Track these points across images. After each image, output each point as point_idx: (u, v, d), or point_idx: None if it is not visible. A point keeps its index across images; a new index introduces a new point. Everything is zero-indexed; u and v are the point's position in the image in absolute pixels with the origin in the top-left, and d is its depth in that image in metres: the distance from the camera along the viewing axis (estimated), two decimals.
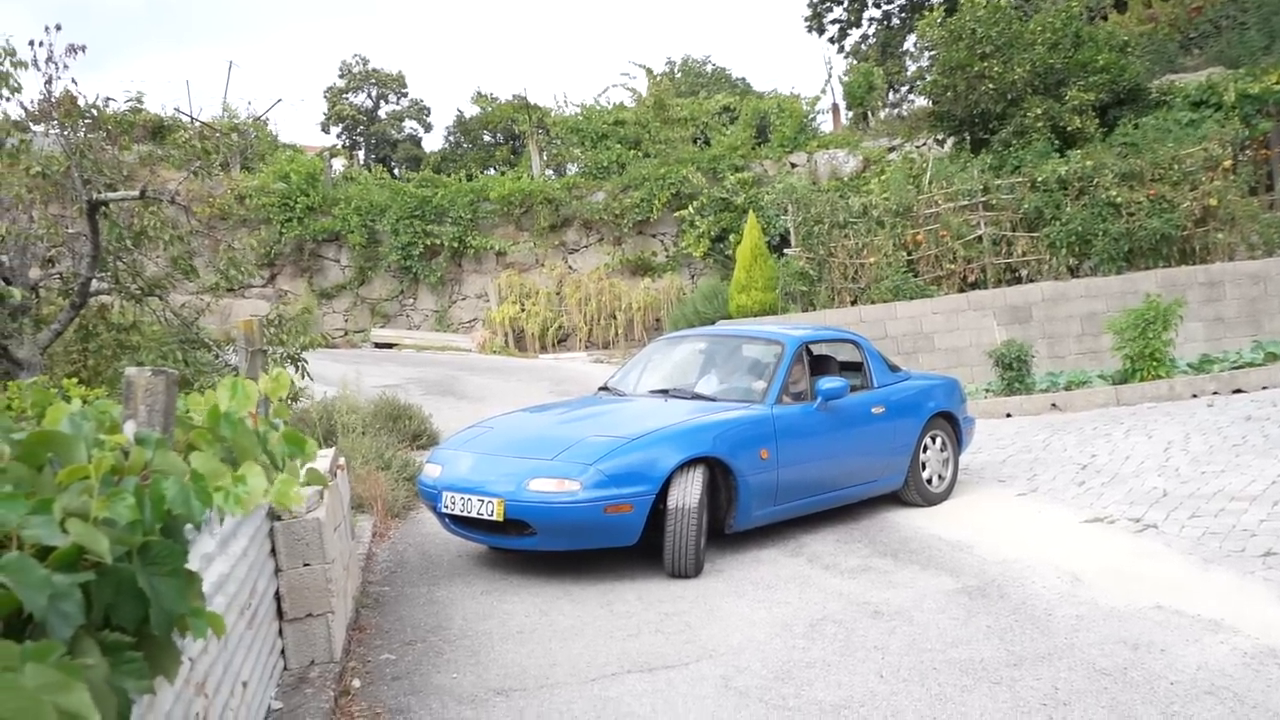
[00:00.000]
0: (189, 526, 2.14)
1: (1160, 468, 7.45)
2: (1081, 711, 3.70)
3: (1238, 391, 10.43)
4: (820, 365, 7.43)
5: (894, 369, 7.69)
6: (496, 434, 6.51)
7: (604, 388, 7.56)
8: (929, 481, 7.36)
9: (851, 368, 7.51)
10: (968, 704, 3.83)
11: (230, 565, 3.16)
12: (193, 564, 2.53)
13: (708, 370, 7.22)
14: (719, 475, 6.03)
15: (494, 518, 5.69)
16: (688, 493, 5.73)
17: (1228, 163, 14.21)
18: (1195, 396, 10.44)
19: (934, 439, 7.44)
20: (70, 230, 7.44)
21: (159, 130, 21.91)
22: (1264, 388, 10.42)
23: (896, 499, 7.32)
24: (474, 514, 5.79)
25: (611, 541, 5.76)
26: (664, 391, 7.00)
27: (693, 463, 5.81)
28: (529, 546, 5.86)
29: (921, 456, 7.33)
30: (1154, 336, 10.74)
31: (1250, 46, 17.36)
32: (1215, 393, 10.48)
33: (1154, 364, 10.81)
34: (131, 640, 1.70)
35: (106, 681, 1.57)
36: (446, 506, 5.97)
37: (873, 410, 7.07)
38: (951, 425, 7.62)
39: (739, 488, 6.04)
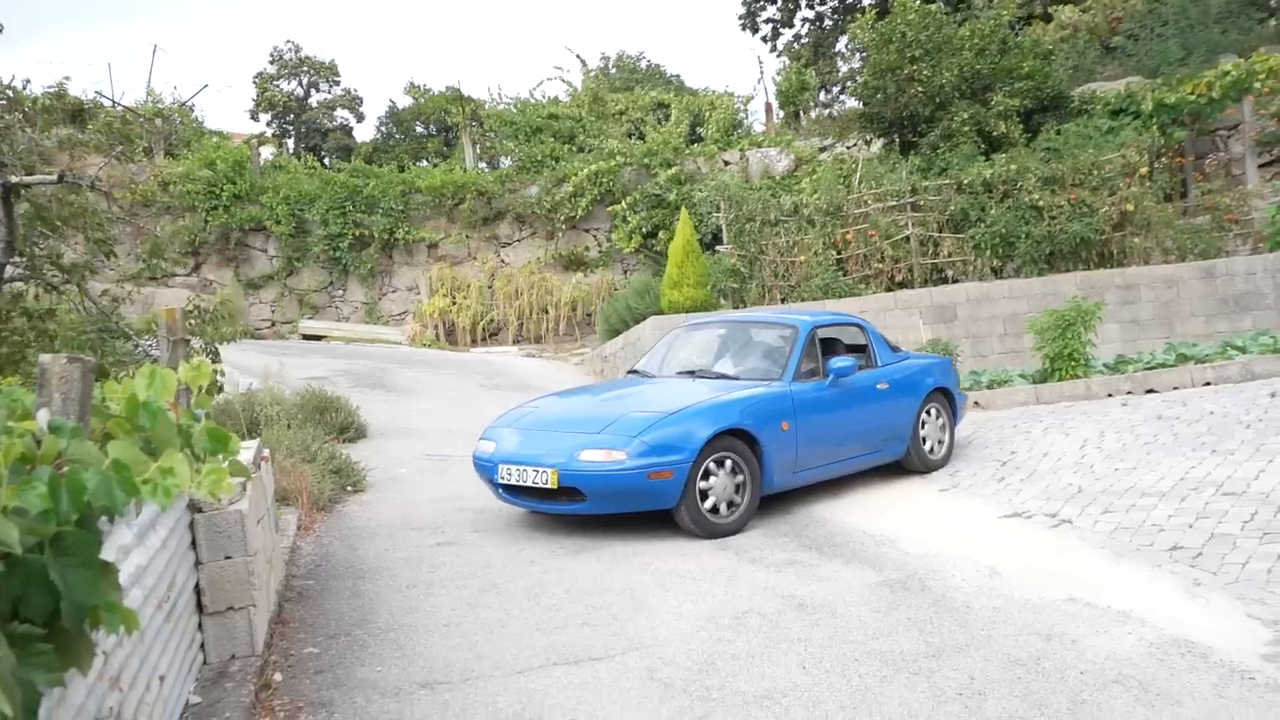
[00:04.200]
0: (104, 517, 2.10)
1: (1076, 465, 7.66)
2: (995, 700, 3.80)
3: (1150, 391, 10.76)
4: (828, 347, 8.03)
5: (895, 349, 8.43)
6: (541, 413, 7.24)
7: (633, 371, 8.21)
8: (929, 450, 8.11)
9: (856, 349, 8.17)
10: (887, 694, 3.91)
11: (149, 557, 3.10)
12: (109, 555, 2.49)
13: (728, 353, 7.93)
14: (746, 445, 6.65)
15: (548, 485, 6.38)
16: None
17: (1144, 169, 14.66)
18: (1110, 396, 10.75)
19: (933, 411, 8.21)
20: None
21: (79, 113, 21.28)
22: (1175, 388, 10.76)
23: (820, 493, 7.44)
24: (529, 483, 6.47)
25: (653, 504, 6.38)
26: (690, 372, 7.70)
27: (724, 434, 6.47)
28: (578, 510, 6.51)
29: (921, 428, 8.04)
30: (1074, 338, 11.02)
31: (1168, 58, 17.91)
32: (1129, 392, 10.79)
33: (1073, 364, 11.09)
34: (42, 632, 1.67)
35: (14, 674, 1.54)
36: (503, 478, 6.61)
37: (877, 386, 7.80)
38: (947, 399, 8.41)
39: (764, 457, 6.69)
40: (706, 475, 6.43)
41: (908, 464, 8.03)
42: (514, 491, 6.67)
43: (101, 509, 1.92)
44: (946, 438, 8.32)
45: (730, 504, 6.52)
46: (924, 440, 8.07)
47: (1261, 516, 5.72)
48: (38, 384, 2.43)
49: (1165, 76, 17.24)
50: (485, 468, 6.86)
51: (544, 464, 6.42)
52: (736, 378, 7.40)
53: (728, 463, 6.51)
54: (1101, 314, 11.29)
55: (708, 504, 6.44)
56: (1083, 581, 5.13)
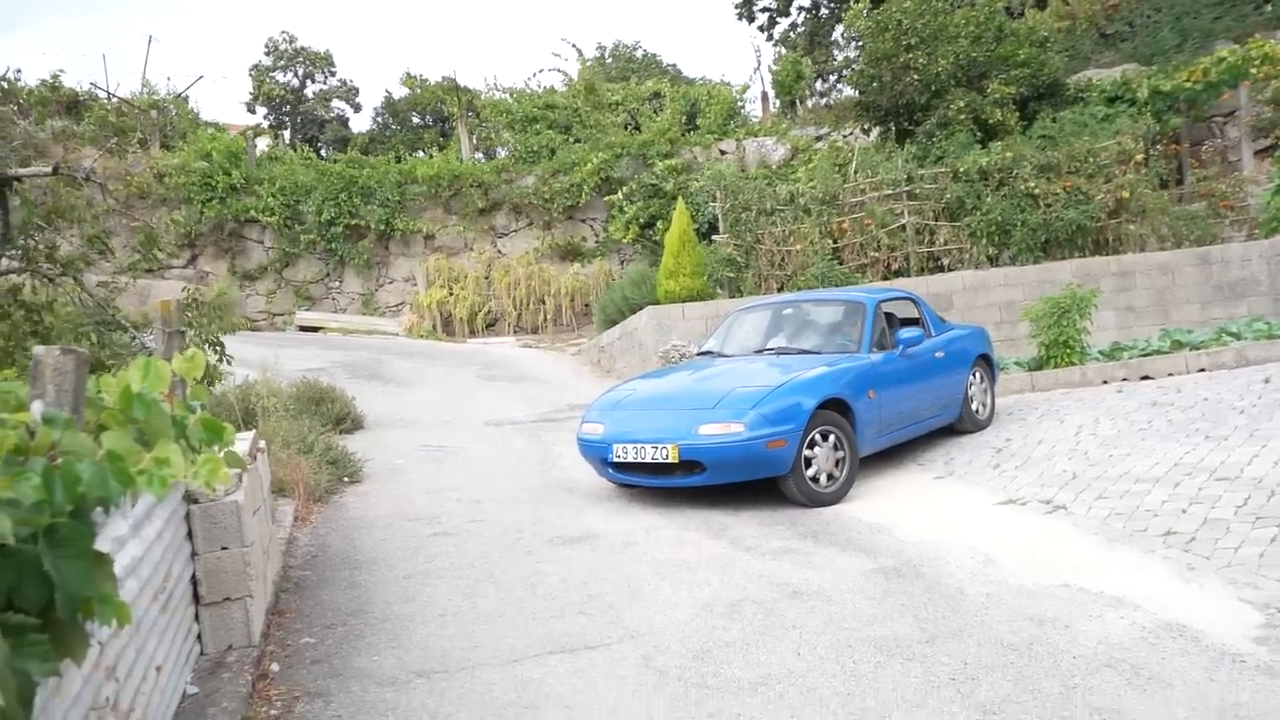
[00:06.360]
0: (99, 509, 2.11)
1: (1071, 451, 7.68)
2: (989, 685, 3.83)
3: (1145, 378, 10.78)
4: (886, 320, 8.43)
5: (942, 321, 9.00)
6: (640, 395, 7.53)
7: (705, 351, 8.58)
8: (976, 412, 8.83)
9: (908, 322, 8.65)
10: (881, 679, 3.93)
11: (144, 548, 3.12)
12: (104, 546, 2.51)
13: (798, 330, 8.36)
14: (840, 415, 7.05)
15: (669, 460, 6.73)
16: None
17: (1140, 157, 14.66)
18: (1106, 383, 10.76)
19: (977, 376, 8.89)
20: None
21: (74, 105, 21.24)
22: (1170, 374, 10.78)
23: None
24: (647, 459, 6.81)
25: (769, 472, 6.71)
26: (768, 350, 8.14)
27: (824, 404, 6.86)
28: (696, 483, 6.81)
29: (969, 391, 8.73)
30: (1069, 325, 11.04)
31: (1163, 45, 17.89)
32: (1125, 379, 10.81)
33: (1068, 351, 11.11)
34: (36, 622, 1.68)
35: (8, 664, 1.55)
36: (617, 456, 6.96)
37: (936, 355, 8.35)
38: (987, 365, 9.13)
39: (857, 423, 7.12)
40: (811, 445, 6.79)
41: (959, 426, 8.66)
42: (627, 469, 7.03)
43: (96, 500, 1.93)
44: (989, 400, 9.01)
45: (831, 475, 6.89)
46: (972, 402, 8.72)
47: (1254, 501, 5.74)
48: (31, 376, 2.44)
49: (1161, 64, 17.23)
50: (595, 448, 7.17)
51: (663, 440, 6.77)
52: (818, 352, 7.83)
53: (828, 432, 6.89)
54: (1097, 301, 11.30)
55: (810, 473, 6.79)
56: (1076, 567, 5.15)
